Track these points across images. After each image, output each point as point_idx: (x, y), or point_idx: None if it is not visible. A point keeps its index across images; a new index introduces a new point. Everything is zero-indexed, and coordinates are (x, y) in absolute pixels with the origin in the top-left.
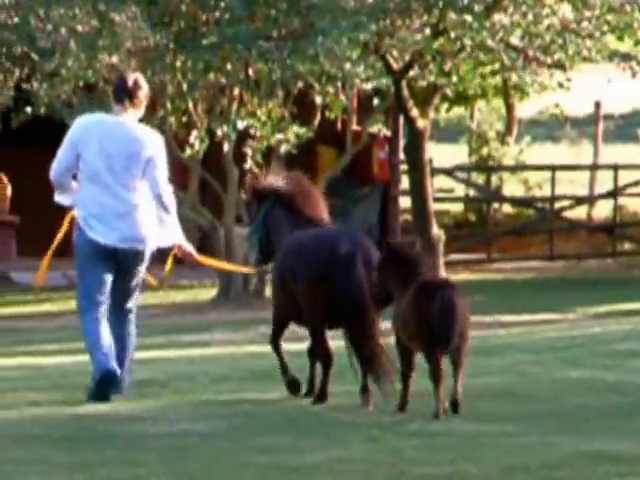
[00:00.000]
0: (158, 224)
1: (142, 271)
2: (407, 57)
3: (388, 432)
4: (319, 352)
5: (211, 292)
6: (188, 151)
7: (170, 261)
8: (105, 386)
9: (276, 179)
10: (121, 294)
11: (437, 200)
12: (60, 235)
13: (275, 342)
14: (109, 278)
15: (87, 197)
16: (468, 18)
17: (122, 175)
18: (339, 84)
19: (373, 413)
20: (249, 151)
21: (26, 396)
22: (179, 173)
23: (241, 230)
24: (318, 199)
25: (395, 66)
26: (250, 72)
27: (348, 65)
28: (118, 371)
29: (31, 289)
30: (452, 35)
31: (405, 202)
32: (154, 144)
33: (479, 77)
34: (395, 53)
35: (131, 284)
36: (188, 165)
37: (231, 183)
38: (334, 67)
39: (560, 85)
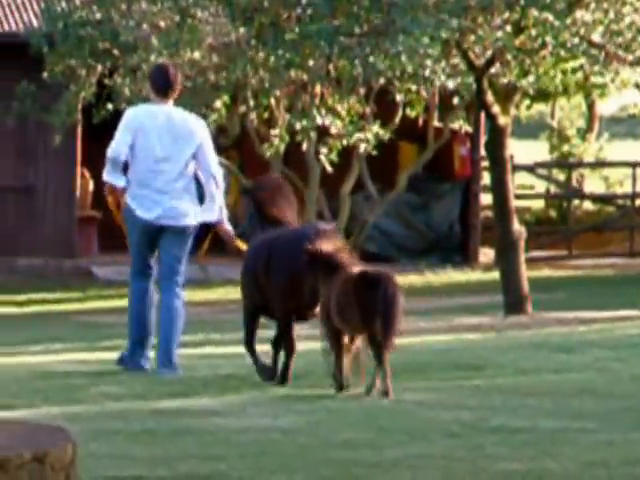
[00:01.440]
0: (209, 201)
1: (186, 248)
2: (488, 54)
3: (468, 428)
4: (286, 342)
5: None
6: (269, 148)
7: (210, 236)
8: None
9: (266, 179)
10: (169, 269)
11: (518, 197)
12: (118, 219)
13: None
14: (156, 251)
15: (138, 180)
16: (549, 16)
17: (173, 160)
18: (420, 81)
19: (453, 409)
20: (324, 150)
21: (107, 390)
22: (260, 169)
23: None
24: (287, 202)
25: (477, 63)
26: (331, 69)
27: (429, 62)
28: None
29: (113, 284)
30: (533, 33)
31: (486, 199)
32: (202, 131)
33: (560, 74)
34: (477, 50)
35: (177, 259)
36: (269, 161)
37: (312, 179)
38: (415, 65)
39: (637, 86)
